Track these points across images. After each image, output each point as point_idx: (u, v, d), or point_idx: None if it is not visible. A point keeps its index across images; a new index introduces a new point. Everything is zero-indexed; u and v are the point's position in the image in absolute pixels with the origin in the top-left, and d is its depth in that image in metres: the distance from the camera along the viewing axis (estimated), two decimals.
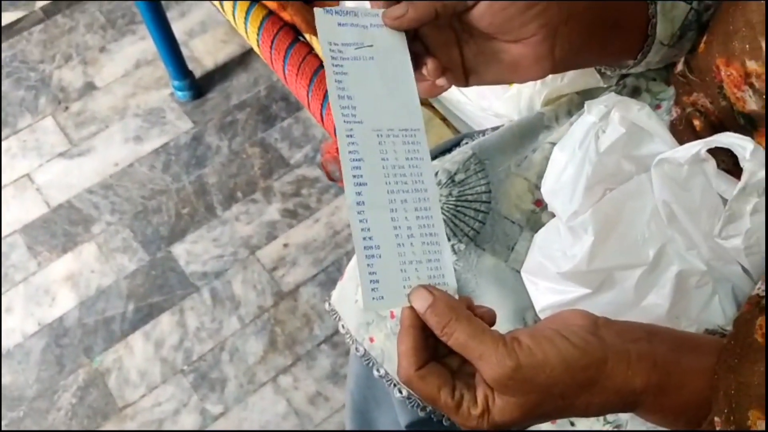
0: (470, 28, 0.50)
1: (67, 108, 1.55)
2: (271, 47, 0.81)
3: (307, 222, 1.37)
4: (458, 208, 0.60)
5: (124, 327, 1.28)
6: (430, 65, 0.48)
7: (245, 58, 1.57)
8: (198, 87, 1.52)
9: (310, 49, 0.80)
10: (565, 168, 0.48)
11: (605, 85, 0.67)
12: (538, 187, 0.61)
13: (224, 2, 0.85)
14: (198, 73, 1.55)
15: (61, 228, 1.39)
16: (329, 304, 0.68)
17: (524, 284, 0.57)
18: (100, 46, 1.63)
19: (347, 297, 0.65)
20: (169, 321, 1.28)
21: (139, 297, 1.31)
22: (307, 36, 0.80)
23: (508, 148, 0.64)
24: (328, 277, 1.31)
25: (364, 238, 0.43)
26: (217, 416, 1.19)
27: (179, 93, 1.51)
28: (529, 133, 0.65)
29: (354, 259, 0.67)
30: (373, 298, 0.42)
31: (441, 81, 0.49)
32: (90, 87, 1.57)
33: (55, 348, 1.27)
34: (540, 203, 0.61)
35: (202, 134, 1.49)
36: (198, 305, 1.29)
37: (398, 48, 0.48)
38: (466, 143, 0.72)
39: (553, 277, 0.50)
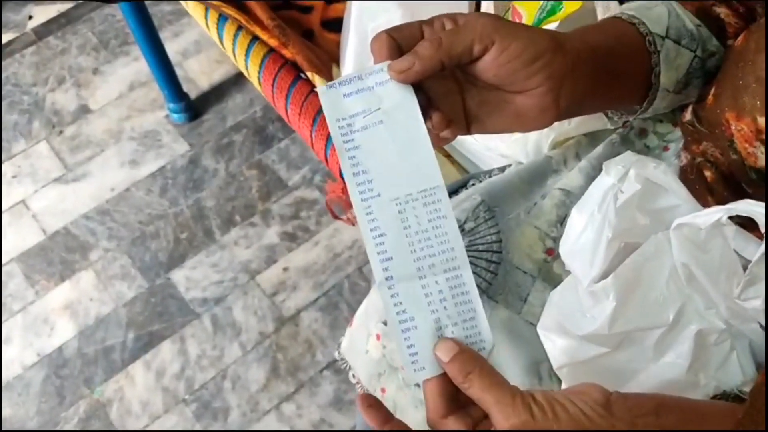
0: (474, 78, 0.49)
1: (61, 132, 1.53)
2: (272, 85, 0.80)
3: (306, 245, 1.37)
4: (469, 259, 0.59)
5: (125, 356, 1.27)
6: (435, 118, 0.48)
7: (240, 78, 1.56)
8: (193, 108, 1.51)
9: (313, 88, 0.79)
10: (583, 230, 0.47)
11: (612, 127, 0.66)
12: (549, 236, 0.61)
13: (224, 40, 0.84)
14: (193, 94, 1.54)
15: (58, 255, 1.38)
16: (339, 352, 0.67)
17: (538, 337, 0.57)
18: (94, 67, 1.61)
19: (357, 346, 0.65)
20: (170, 349, 1.27)
21: (138, 325, 1.30)
22: (309, 74, 0.79)
23: (517, 193, 0.63)
24: (329, 301, 1.31)
25: (398, 313, 0.43)
26: None
27: (175, 115, 1.50)
28: (537, 177, 0.65)
29: (363, 306, 0.67)
30: (415, 370, 0.43)
31: (446, 133, 0.49)
32: (84, 110, 1.56)
33: (55, 379, 1.25)
34: (551, 252, 0.61)
35: (199, 157, 1.48)
36: (199, 332, 1.28)
37: (407, 103, 0.47)
38: (473, 185, 0.71)
39: (571, 336, 0.49)
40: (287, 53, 0.81)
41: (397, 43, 0.47)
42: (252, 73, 0.83)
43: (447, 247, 0.44)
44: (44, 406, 1.23)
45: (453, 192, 0.72)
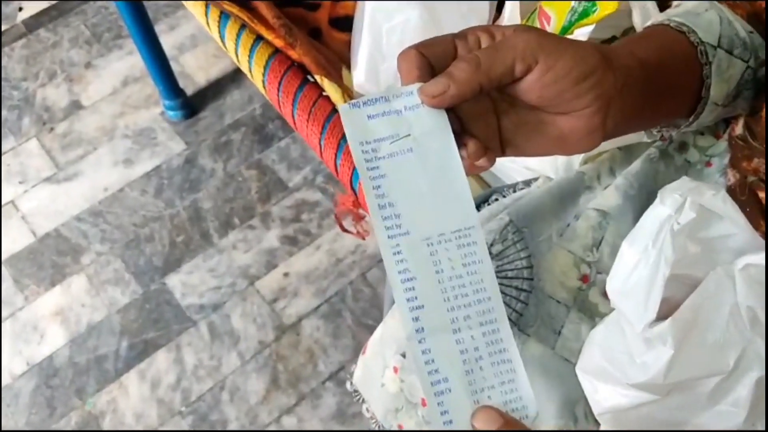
0: (512, 99, 0.44)
1: (52, 129, 1.47)
2: (278, 89, 0.75)
3: (308, 249, 1.31)
4: (498, 287, 0.54)
5: (118, 366, 1.22)
6: (471, 147, 0.42)
7: (239, 74, 1.50)
8: (190, 105, 1.45)
9: (321, 92, 0.74)
10: (635, 267, 0.42)
11: (649, 140, 0.61)
12: (584, 261, 0.56)
13: (226, 40, 0.78)
14: (190, 90, 1.48)
15: (49, 259, 1.32)
16: (351, 383, 0.62)
17: (573, 373, 0.52)
18: (86, 61, 1.55)
19: (372, 379, 0.60)
20: (165, 358, 1.22)
21: (132, 333, 1.24)
22: (317, 77, 0.74)
23: (548, 213, 0.58)
24: (332, 309, 1.25)
25: (430, 372, 0.38)
26: None
27: (170, 112, 1.44)
28: (569, 195, 0.60)
29: (378, 333, 0.62)
30: None
31: (482, 162, 0.43)
32: (76, 106, 1.50)
33: (45, 389, 1.20)
34: (587, 279, 0.56)
35: (196, 156, 1.42)
36: (195, 341, 1.23)
37: (440, 130, 0.42)
38: (496, 200, 0.66)
39: (617, 382, 0.44)
40: (294, 54, 0.75)
41: (428, 61, 0.41)
42: (256, 76, 0.77)
43: (483, 296, 0.39)
44: (34, 418, 1.18)
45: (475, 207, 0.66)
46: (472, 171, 0.43)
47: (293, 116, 0.74)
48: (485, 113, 0.45)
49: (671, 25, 0.50)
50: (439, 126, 0.41)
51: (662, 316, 0.44)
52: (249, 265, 1.30)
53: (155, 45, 1.33)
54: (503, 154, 0.46)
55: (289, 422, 1.16)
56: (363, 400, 0.61)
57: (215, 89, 1.49)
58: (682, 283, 0.46)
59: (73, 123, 1.48)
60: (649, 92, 0.47)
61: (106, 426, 1.16)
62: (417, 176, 0.41)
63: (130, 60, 1.54)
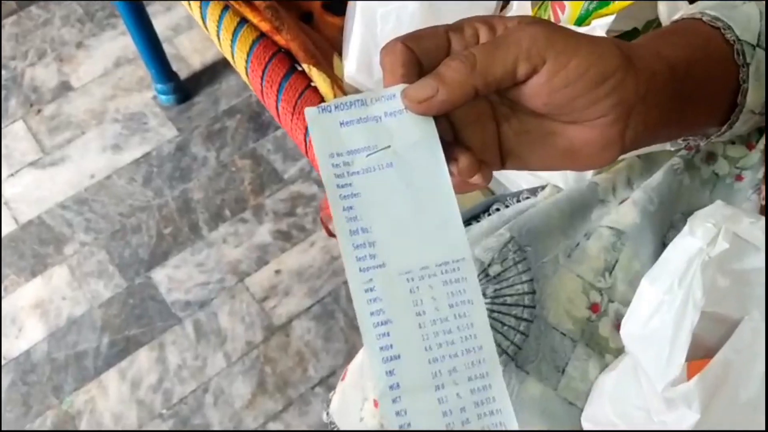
0: (514, 103, 0.37)
1: (39, 111, 1.41)
2: (262, 78, 0.68)
3: (301, 245, 1.24)
4: (495, 314, 0.47)
5: (98, 363, 1.15)
6: (462, 162, 0.35)
7: None
8: (183, 90, 1.39)
9: (309, 82, 0.67)
10: (657, 310, 0.35)
11: (672, 149, 0.54)
12: (594, 287, 0.49)
13: (207, 21, 0.71)
14: (184, 74, 1.41)
15: (30, 248, 1.26)
16: (327, 414, 0.55)
17: (578, 418, 0.45)
18: (77, 41, 1.48)
19: (350, 411, 0.53)
20: (148, 357, 1.16)
21: (114, 329, 1.18)
22: (305, 65, 0.66)
23: (554, 230, 0.51)
24: (325, 310, 1.19)
25: None
26: None
27: (163, 97, 1.37)
28: (580, 209, 0.52)
29: (359, 358, 0.55)
30: None
31: (476, 179, 0.36)
32: (65, 87, 1.43)
33: (21, 386, 1.14)
34: (597, 308, 0.49)
35: (188, 143, 1.35)
36: (180, 339, 1.17)
37: (426, 142, 0.35)
38: (497, 210, 0.59)
39: None
40: (280, 40, 0.68)
41: (416, 57, 0.34)
42: (239, 62, 0.70)
43: (473, 345, 0.32)
44: (9, 416, 1.12)
45: (473, 218, 0.59)
46: (463, 189, 0.36)
47: (277, 108, 0.67)
48: (482, 118, 0.38)
49: (704, 19, 0.43)
50: (426, 136, 0.34)
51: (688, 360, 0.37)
52: (239, 260, 1.23)
53: (146, 25, 1.26)
54: (502, 166, 0.39)
55: (275, 428, 1.09)
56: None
57: (210, 73, 1.42)
58: (709, 320, 0.39)
59: (62, 105, 1.41)
60: (677, 99, 0.40)
61: (83, 427, 1.10)
62: (397, 196, 0.34)
63: (123, 40, 1.47)
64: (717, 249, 0.36)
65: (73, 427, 1.11)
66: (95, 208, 1.29)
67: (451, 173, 0.35)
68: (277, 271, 1.22)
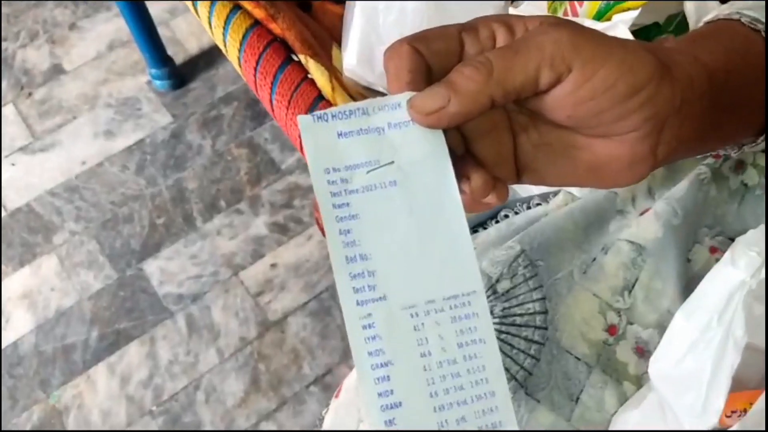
0: (534, 113, 0.33)
1: (30, 94, 1.36)
2: (255, 69, 0.63)
3: (298, 239, 1.21)
4: (503, 336, 0.44)
5: (87, 357, 1.12)
6: (475, 181, 0.32)
7: None
8: (179, 75, 1.34)
9: (306, 74, 0.63)
10: (692, 349, 0.31)
11: (698, 156, 0.50)
12: (612, 308, 0.45)
13: (199, 8, 0.67)
14: (180, 58, 1.36)
15: (19, 236, 1.22)
16: None
17: None
18: (71, 22, 1.43)
19: (344, 429, 0.49)
20: (138, 352, 1.12)
21: (104, 322, 1.14)
22: (302, 56, 0.62)
23: (569, 243, 0.47)
24: (321, 306, 1.15)
25: None
26: None
27: (157, 82, 1.33)
28: (596, 221, 0.49)
29: (354, 373, 0.51)
30: None
31: (490, 198, 0.32)
32: (57, 70, 1.38)
33: (7, 379, 1.11)
34: (614, 330, 0.45)
35: (183, 131, 1.31)
36: (171, 334, 1.13)
37: (434, 159, 0.31)
38: (506, 217, 0.55)
39: None
40: (276, 28, 0.63)
41: (425, 61, 0.30)
42: (231, 51, 0.66)
43: (485, 390, 0.28)
44: None
45: (479, 224, 0.55)
46: (475, 209, 0.32)
47: (271, 101, 0.63)
48: (497, 129, 0.34)
49: (742, 20, 0.39)
50: (434, 151, 0.30)
51: None
52: (234, 253, 1.20)
53: (141, 7, 1.21)
54: (519, 180, 0.35)
55: (268, 428, 1.06)
56: None
57: (207, 58, 1.38)
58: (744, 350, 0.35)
59: (53, 89, 1.37)
60: (714, 110, 0.36)
61: (70, 423, 1.07)
62: (401, 219, 0.30)
63: (117, 22, 1.42)
64: (758, 279, 0.32)
65: (60, 422, 1.07)
66: (86, 196, 1.25)
67: (461, 192, 0.31)
68: (273, 265, 1.19)
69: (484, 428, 0.28)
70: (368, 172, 0.30)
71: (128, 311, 1.15)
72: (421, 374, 0.28)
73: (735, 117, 0.38)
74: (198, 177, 1.26)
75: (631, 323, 0.44)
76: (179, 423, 1.07)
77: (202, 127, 1.31)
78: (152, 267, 1.19)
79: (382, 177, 0.30)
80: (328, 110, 0.30)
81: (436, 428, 0.28)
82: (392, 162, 0.30)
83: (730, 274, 0.31)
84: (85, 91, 1.36)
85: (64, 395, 1.09)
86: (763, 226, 0.33)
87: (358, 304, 0.29)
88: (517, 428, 0.29)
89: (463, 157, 0.33)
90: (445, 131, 0.31)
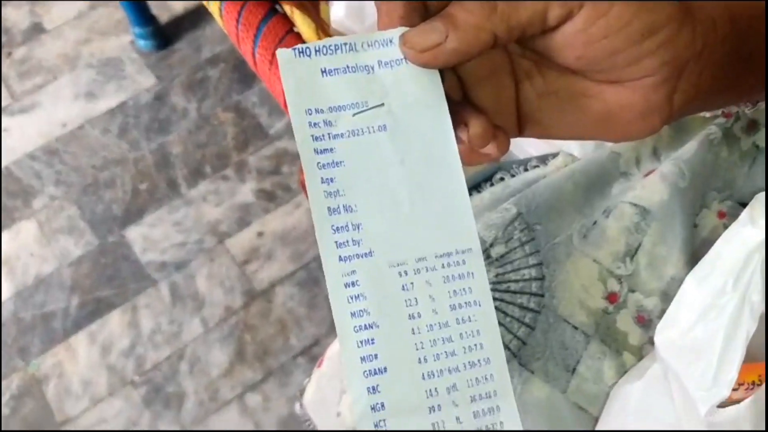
0: (540, 56, 0.30)
1: (9, 54, 1.31)
2: (237, 20, 0.60)
3: (286, 207, 1.17)
4: (497, 303, 0.41)
5: (67, 325, 1.09)
6: (474, 128, 0.28)
7: None
8: (163, 35, 1.29)
9: (291, 27, 0.59)
10: (704, 316, 0.28)
11: (708, 115, 0.47)
12: (612, 274, 0.42)
13: None
14: (164, 17, 1.32)
15: None
16: (300, 405, 0.49)
17: (589, 425, 0.39)
18: None
19: (326, 402, 0.47)
20: (120, 320, 1.09)
21: (85, 290, 1.11)
22: (286, 7, 0.58)
23: (568, 206, 0.44)
24: (309, 276, 1.12)
25: None
26: None
27: (141, 42, 1.28)
28: (598, 183, 0.45)
29: (337, 343, 0.48)
30: None
31: (489, 148, 0.29)
32: (37, 29, 1.33)
33: None
34: (615, 298, 0.42)
35: (167, 93, 1.27)
36: (154, 303, 1.10)
37: (429, 102, 0.28)
38: (502, 179, 0.52)
39: None
40: None
41: None
42: (212, 3, 0.62)
43: (479, 356, 0.26)
44: None
45: (473, 187, 0.52)
46: (472, 161, 0.29)
47: (253, 55, 0.59)
48: (498, 74, 0.30)
49: None
50: (429, 94, 0.27)
51: None
52: (219, 220, 1.16)
53: None
54: (520, 133, 0.32)
55: (253, 400, 1.04)
56: (312, 426, 0.48)
57: (193, 18, 1.33)
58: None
59: (33, 48, 1.32)
60: (736, 58, 0.32)
61: (50, 392, 1.04)
62: (390, 168, 0.27)
63: None
64: None
65: (40, 391, 1.05)
66: (66, 160, 1.21)
67: (458, 140, 0.28)
68: (260, 233, 1.15)
69: (477, 397, 0.26)
70: (355, 114, 0.27)
71: (110, 279, 1.12)
72: (409, 338, 0.26)
73: (754, 68, 0.35)
74: (183, 141, 1.22)
75: (633, 291, 0.42)
76: (162, 393, 1.04)
77: (187, 89, 1.27)
78: (135, 234, 1.15)
79: (371, 121, 0.27)
80: (311, 44, 0.27)
81: (425, 397, 0.25)
82: (382, 104, 0.27)
83: (748, 234, 0.28)
84: (66, 50, 1.31)
85: (44, 364, 1.06)
86: None
87: (340, 259, 0.26)
88: (513, 399, 0.26)
89: (461, 103, 0.29)
90: (442, 73, 0.28)
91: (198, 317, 1.09)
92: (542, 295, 0.41)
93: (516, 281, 0.41)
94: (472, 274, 0.27)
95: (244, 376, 1.05)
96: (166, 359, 1.06)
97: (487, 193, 0.50)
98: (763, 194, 0.30)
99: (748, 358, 0.31)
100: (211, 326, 1.08)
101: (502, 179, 0.52)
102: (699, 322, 0.28)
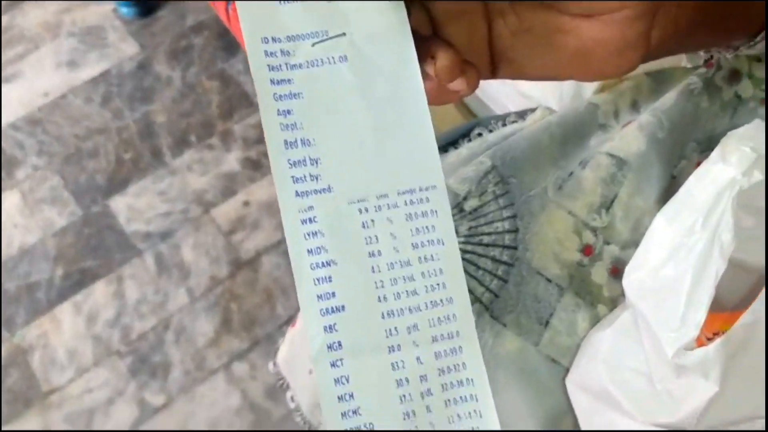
0: None
1: None
2: None
3: (272, 176, 1.16)
4: (468, 256, 0.40)
5: (51, 296, 1.08)
6: (441, 60, 0.27)
7: None
8: (146, 2, 1.27)
9: None
10: (673, 255, 0.27)
11: (689, 66, 0.45)
12: (588, 226, 0.41)
13: None
14: None
15: None
16: (274, 364, 0.48)
17: (561, 378, 0.38)
18: None
19: (300, 362, 0.46)
20: (105, 291, 1.08)
21: (69, 260, 1.10)
22: None
23: (544, 159, 0.43)
24: None
25: (345, 414, 0.24)
26: (158, 408, 1.01)
27: (123, 9, 1.26)
28: (575, 135, 0.44)
29: None
30: None
31: (457, 84, 0.28)
32: None
33: None
34: (590, 251, 0.41)
35: (150, 61, 1.25)
36: (139, 273, 1.09)
37: (393, 32, 0.27)
38: (479, 135, 0.51)
39: (625, 414, 0.30)
40: None
41: None
42: None
43: (441, 296, 0.25)
44: None
45: (450, 144, 0.51)
46: (439, 98, 0.28)
47: (227, 11, 0.58)
48: (470, 13, 0.29)
49: None
50: (393, 24, 0.26)
51: None
52: (204, 190, 1.15)
53: None
54: (493, 74, 0.31)
55: (240, 369, 1.03)
56: (287, 386, 0.48)
57: None
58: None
59: (15, 17, 1.30)
60: None
61: (35, 362, 1.04)
62: (351, 101, 0.26)
63: None
64: (752, 181, 0.28)
65: (25, 361, 1.04)
66: (49, 130, 1.19)
67: (424, 76, 0.27)
68: (246, 203, 1.14)
69: (439, 337, 0.25)
70: (314, 44, 0.26)
71: (94, 249, 1.11)
72: (369, 276, 0.25)
73: (736, 9, 0.34)
74: (167, 110, 1.21)
75: (608, 243, 0.41)
76: (148, 363, 1.04)
77: (171, 57, 1.25)
78: (119, 204, 1.14)
79: (331, 50, 0.26)
80: None
81: (384, 336, 0.24)
82: (343, 34, 0.26)
83: (719, 172, 0.27)
84: (47, 19, 1.29)
85: (29, 334, 1.06)
86: (758, 121, 0.29)
87: (297, 195, 0.25)
88: (477, 340, 0.25)
89: (429, 36, 0.28)
90: (408, 5, 0.27)
91: (184, 287, 1.08)
92: (515, 248, 0.40)
93: (489, 234, 0.40)
94: (436, 212, 0.26)
95: (230, 346, 1.05)
96: (151, 329, 1.06)
97: (464, 149, 0.49)
98: (735, 132, 0.29)
99: (717, 307, 0.31)
100: (197, 296, 1.08)
101: (480, 135, 0.50)
102: (668, 262, 0.28)
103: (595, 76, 0.32)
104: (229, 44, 1.26)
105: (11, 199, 1.15)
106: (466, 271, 0.39)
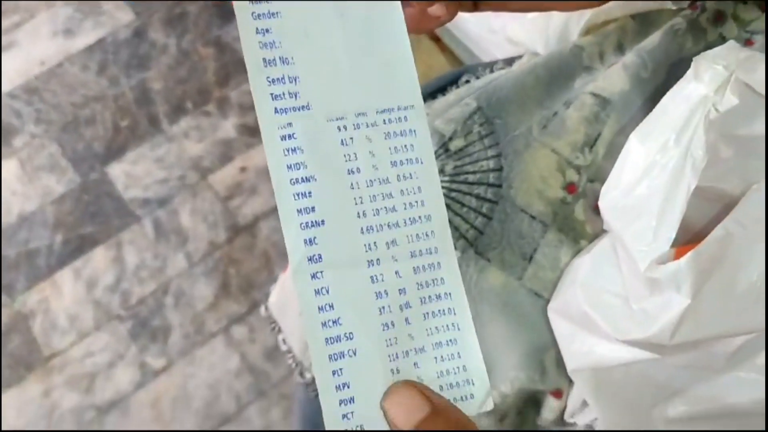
0: None
1: None
2: None
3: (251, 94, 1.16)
4: (453, 194, 0.40)
5: (51, 262, 1.09)
6: None
7: None
8: None
9: None
10: (646, 174, 0.28)
11: (674, 8, 0.46)
12: (571, 164, 0.42)
13: None
14: None
15: None
16: (266, 308, 0.49)
17: (544, 311, 0.39)
18: None
19: (291, 304, 0.47)
20: (104, 256, 1.09)
21: (68, 227, 1.11)
22: None
23: (529, 100, 0.44)
24: None
25: (325, 324, 0.25)
26: (159, 371, 1.03)
27: None
28: (560, 77, 0.45)
29: None
30: (344, 416, 0.24)
31: (436, 9, 0.29)
32: None
33: None
34: (573, 188, 0.42)
35: (146, 29, 1.24)
36: (138, 238, 1.10)
37: None
38: (467, 82, 0.51)
39: (603, 335, 0.31)
40: None
41: None
42: None
43: (419, 213, 0.25)
44: None
45: (438, 90, 0.52)
46: (419, 25, 0.29)
47: None
48: None
49: None
50: None
51: (673, 245, 0.30)
52: (201, 156, 1.15)
53: None
54: (476, 7, 0.31)
55: (238, 332, 1.05)
56: (278, 330, 0.49)
57: None
58: (703, 198, 0.32)
59: None
60: None
61: (36, 327, 1.05)
62: (330, 19, 0.26)
63: None
64: (724, 105, 0.28)
65: (26, 326, 1.05)
66: (46, 98, 1.20)
67: (406, 2, 0.27)
68: (243, 168, 1.15)
69: (417, 253, 0.25)
70: None
71: (93, 216, 1.12)
72: (348, 192, 0.25)
73: None
74: (163, 77, 1.21)
75: (592, 181, 0.41)
76: (148, 327, 1.05)
77: (167, 24, 1.24)
78: (117, 171, 1.15)
79: None
80: None
81: (363, 250, 0.25)
82: None
83: (692, 90, 0.27)
84: None
85: (29, 300, 1.07)
86: (732, 42, 0.29)
87: (276, 112, 0.25)
88: (454, 256, 0.26)
89: None
90: None
91: (182, 252, 1.09)
92: (500, 186, 0.41)
93: (473, 173, 0.41)
94: (414, 131, 0.26)
95: (229, 309, 1.06)
96: (151, 294, 1.07)
97: (452, 95, 0.50)
98: (708, 52, 0.29)
99: (688, 239, 0.31)
100: (196, 260, 1.09)
101: (467, 82, 0.51)
102: (642, 180, 0.28)
103: (577, 5, 0.32)
104: (225, 11, 1.25)
105: (9, 167, 1.15)
106: (451, 209, 0.40)
